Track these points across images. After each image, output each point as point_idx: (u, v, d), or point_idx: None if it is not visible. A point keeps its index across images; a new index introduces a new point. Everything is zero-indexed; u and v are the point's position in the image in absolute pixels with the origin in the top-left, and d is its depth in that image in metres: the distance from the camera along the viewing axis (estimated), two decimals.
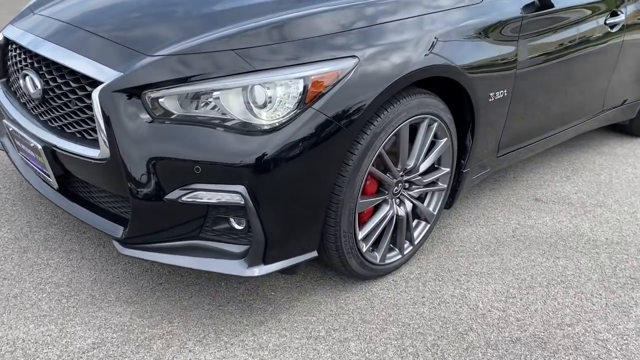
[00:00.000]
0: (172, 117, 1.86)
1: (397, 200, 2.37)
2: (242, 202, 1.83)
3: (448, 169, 2.48)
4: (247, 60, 1.85)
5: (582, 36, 2.98)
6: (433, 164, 2.46)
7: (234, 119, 1.84)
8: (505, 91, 2.56)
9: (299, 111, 1.85)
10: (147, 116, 1.86)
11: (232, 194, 1.83)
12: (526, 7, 2.61)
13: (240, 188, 1.83)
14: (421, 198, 2.52)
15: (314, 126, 1.86)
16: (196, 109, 1.87)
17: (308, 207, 1.96)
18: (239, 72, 1.85)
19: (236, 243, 1.96)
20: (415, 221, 2.51)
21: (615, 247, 2.78)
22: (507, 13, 2.48)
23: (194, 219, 1.95)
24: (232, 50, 1.87)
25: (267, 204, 1.87)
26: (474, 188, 3.37)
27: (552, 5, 2.73)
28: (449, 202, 2.70)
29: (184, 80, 1.85)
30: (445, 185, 2.51)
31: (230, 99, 1.85)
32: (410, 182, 2.38)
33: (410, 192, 2.39)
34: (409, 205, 2.39)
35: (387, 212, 2.27)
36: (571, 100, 3.21)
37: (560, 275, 2.54)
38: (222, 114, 1.84)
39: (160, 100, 1.86)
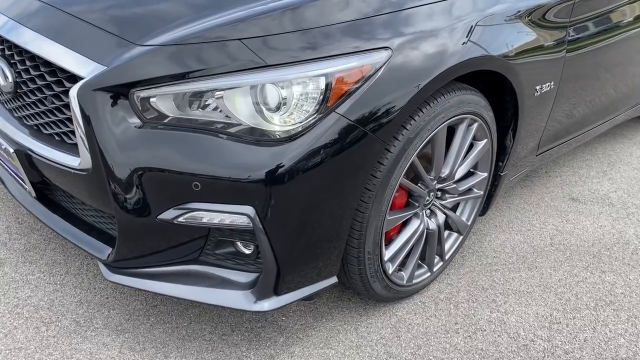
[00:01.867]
0: (166, 120, 1.54)
1: (428, 211, 2.04)
2: (251, 226, 1.51)
3: (485, 174, 2.15)
4: (257, 52, 1.51)
5: (632, 18, 2.61)
6: (469, 169, 2.12)
7: (241, 125, 1.51)
8: (552, 83, 2.21)
9: (320, 115, 1.52)
10: (137, 120, 1.53)
11: (238, 216, 1.51)
12: None
13: (248, 209, 1.51)
14: (454, 207, 2.20)
15: (338, 133, 1.53)
16: (195, 111, 1.54)
17: (328, 228, 1.64)
18: (248, 67, 1.51)
19: (243, 270, 1.65)
20: (446, 233, 2.19)
21: None
22: None
23: (193, 240, 1.63)
24: (239, 40, 1.53)
25: (280, 227, 1.55)
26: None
27: None
28: (484, 209, 2.37)
29: (181, 77, 1.52)
30: (482, 192, 2.19)
31: (236, 100, 1.52)
32: (444, 191, 2.05)
33: (442, 202, 2.07)
34: (441, 217, 2.07)
35: (417, 227, 1.95)
36: (616, 90, 2.86)
37: (608, 294, 2.23)
38: (227, 117, 1.51)
39: (152, 100, 1.53)
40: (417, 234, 1.97)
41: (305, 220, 1.58)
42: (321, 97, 1.52)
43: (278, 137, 1.51)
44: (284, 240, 1.57)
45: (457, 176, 2.02)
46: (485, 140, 2.05)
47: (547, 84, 2.18)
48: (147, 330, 1.89)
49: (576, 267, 2.38)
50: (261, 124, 1.53)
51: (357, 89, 1.54)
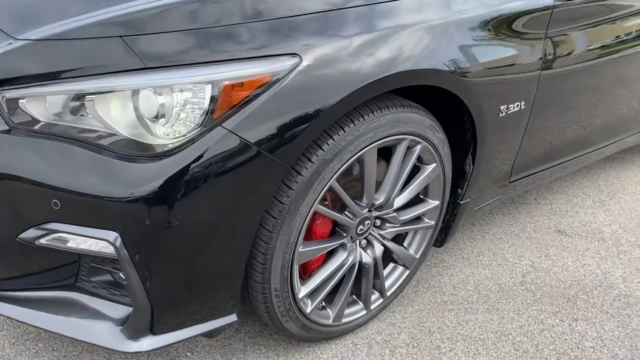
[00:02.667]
0: (38, 126, 1.33)
1: (364, 241, 1.78)
2: (115, 255, 1.28)
3: (437, 202, 1.88)
4: (138, 52, 1.28)
5: (632, 32, 2.31)
6: (418, 195, 1.86)
7: (116, 135, 1.29)
8: (522, 104, 1.93)
9: (204, 129, 1.28)
10: (2, 124, 1.32)
11: (100, 242, 1.29)
12: None
13: (111, 235, 1.28)
14: (401, 237, 1.93)
15: (224, 152, 1.30)
16: (70, 117, 1.32)
17: (219, 261, 1.40)
18: (125, 68, 1.28)
19: (119, 302, 1.42)
20: (391, 266, 1.94)
21: None
22: (533, 0, 1.84)
23: (65, 265, 1.42)
24: (121, 37, 1.30)
25: (153, 258, 1.32)
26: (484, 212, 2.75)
27: None
28: (441, 239, 2.10)
29: (53, 76, 1.31)
30: (433, 222, 1.92)
31: (111, 106, 1.30)
32: (383, 219, 1.79)
33: (382, 232, 1.80)
34: (378, 249, 1.80)
35: (344, 261, 1.70)
36: (616, 112, 2.55)
37: (575, 347, 1.94)
38: (100, 126, 1.29)
39: (20, 102, 1.32)
40: (345, 267, 1.72)
41: (187, 251, 1.35)
42: (207, 107, 1.28)
43: (153, 152, 1.28)
44: (159, 274, 1.35)
45: (398, 204, 1.76)
46: (434, 165, 1.79)
47: (516, 104, 1.91)
48: (31, 358, 1.68)
49: (544, 312, 2.09)
50: (142, 135, 1.30)
51: (251, 100, 1.30)
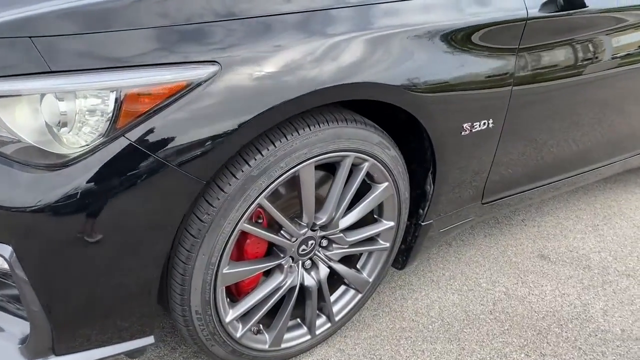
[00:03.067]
0: None
1: (308, 262, 1.67)
2: (8, 270, 1.20)
3: (392, 223, 1.76)
4: (45, 54, 1.19)
5: (625, 49, 2.15)
6: (373, 215, 1.74)
7: (20, 142, 1.20)
8: (491, 122, 1.80)
9: (105, 139, 1.18)
10: None
11: None
12: (545, 6, 1.81)
13: (5, 249, 1.19)
14: (355, 258, 1.82)
15: (128, 164, 1.20)
16: None
17: (125, 279, 1.31)
18: (30, 71, 1.20)
19: (23, 317, 1.33)
20: (342, 289, 1.82)
21: (633, 347, 1.99)
22: (503, 11, 1.71)
23: None
24: (30, 37, 1.22)
25: (50, 274, 1.23)
26: (463, 231, 2.62)
27: (582, 5, 1.91)
28: (402, 261, 1.97)
29: None
30: (389, 244, 1.79)
31: (16, 111, 1.21)
32: (330, 240, 1.68)
33: (328, 253, 1.69)
34: (323, 271, 1.69)
35: (280, 283, 1.59)
36: (608, 132, 2.39)
37: None
38: (4, 132, 1.21)
39: None
40: (282, 290, 1.61)
41: (90, 268, 1.26)
42: (110, 116, 1.18)
43: (56, 161, 1.19)
44: (58, 293, 1.26)
45: (344, 224, 1.64)
46: (386, 184, 1.67)
47: (482, 122, 1.78)
48: None
49: (510, 345, 1.95)
50: (48, 143, 1.22)
51: (161, 110, 1.20)
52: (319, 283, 1.69)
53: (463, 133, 1.75)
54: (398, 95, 1.50)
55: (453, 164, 1.79)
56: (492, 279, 2.30)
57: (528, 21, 1.77)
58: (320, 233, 1.64)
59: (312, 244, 1.64)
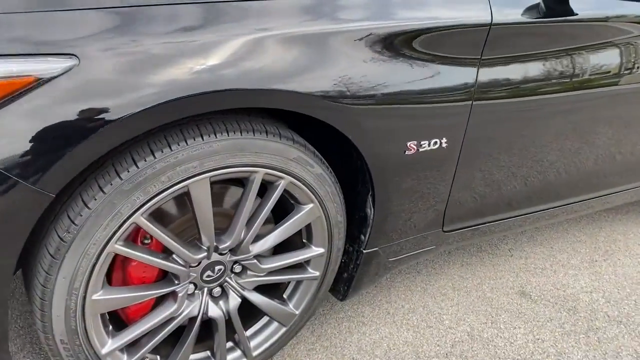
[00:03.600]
0: None
1: (218, 290, 1.47)
2: None
3: (322, 250, 1.53)
4: None
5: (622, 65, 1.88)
6: (302, 240, 1.53)
7: None
8: (444, 140, 1.57)
9: None
10: None
11: None
12: (527, 12, 1.57)
13: None
14: (281, 286, 1.61)
15: None
16: None
17: None
18: None
19: None
20: (264, 320, 1.61)
21: None
22: (459, 14, 1.47)
23: None
24: None
25: None
26: (437, 257, 2.37)
27: (569, 13, 1.66)
28: (343, 291, 1.75)
29: None
30: (319, 273, 1.57)
31: None
32: (244, 266, 1.47)
33: (241, 281, 1.48)
34: (234, 301, 1.48)
35: (173, 312, 1.38)
36: (617, 156, 2.11)
37: None
38: None
39: None
40: (178, 320, 1.40)
41: None
42: None
43: None
44: None
45: (258, 249, 1.43)
46: (311, 206, 1.45)
47: (433, 142, 1.55)
48: None
49: None
50: None
51: (0, 107, 1.02)
52: (228, 314, 1.48)
53: (407, 153, 1.51)
54: (315, 107, 1.28)
55: (395, 187, 1.56)
56: (458, 316, 2.04)
57: (493, 27, 1.52)
58: (230, 258, 1.43)
59: (220, 269, 1.43)
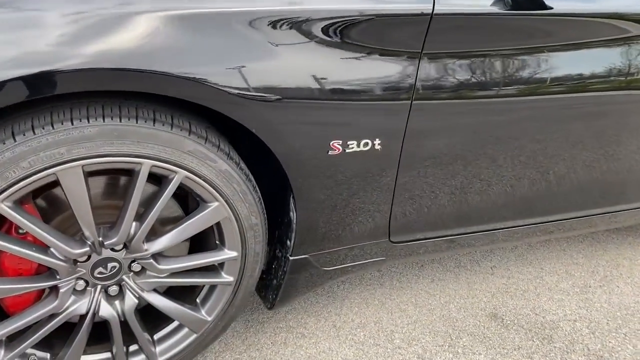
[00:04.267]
0: None
1: (115, 288, 1.36)
2: None
3: (235, 253, 1.40)
4: None
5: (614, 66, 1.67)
6: (214, 241, 1.41)
7: None
8: (377, 141, 1.41)
9: None
10: None
11: None
12: (494, 5, 1.40)
13: None
14: (197, 289, 1.49)
15: None
16: None
17: None
18: None
19: None
20: (174, 324, 1.49)
21: None
22: (397, 2, 1.32)
23: None
24: None
25: None
26: (406, 270, 2.20)
27: (541, 6, 1.48)
28: (272, 299, 1.61)
29: None
30: (232, 279, 1.44)
31: None
32: (144, 265, 1.36)
33: (140, 281, 1.37)
34: (130, 301, 1.37)
35: (56, 308, 1.28)
36: (613, 168, 1.90)
37: None
38: None
39: None
40: (61, 317, 1.31)
41: None
42: None
43: None
44: None
45: (154, 248, 1.32)
46: (216, 204, 1.32)
47: (363, 142, 1.40)
48: None
49: None
50: None
51: None
52: (123, 315, 1.37)
53: (331, 153, 1.36)
54: (210, 97, 1.15)
55: (319, 190, 1.42)
56: (412, 336, 1.87)
57: (434, 17, 1.35)
58: (126, 255, 1.32)
59: (115, 267, 1.33)
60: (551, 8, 1.51)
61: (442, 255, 2.25)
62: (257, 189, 1.40)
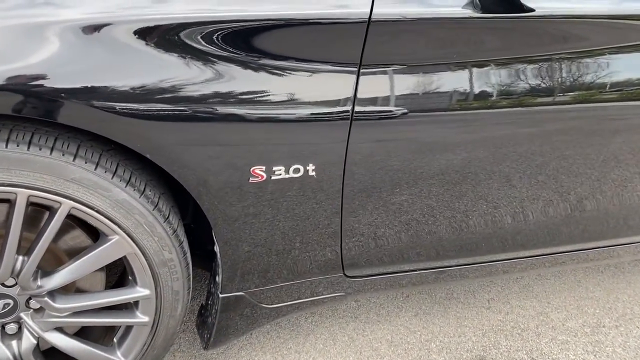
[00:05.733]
0: None
1: (14, 326, 1.23)
2: None
3: (147, 292, 1.24)
4: None
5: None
6: (126, 278, 1.25)
7: None
8: (311, 167, 1.22)
9: None
10: None
11: None
12: (465, 7, 1.19)
13: None
14: (111, 330, 1.33)
15: None
16: None
17: None
18: None
19: None
20: None
21: None
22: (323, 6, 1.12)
23: None
24: None
25: None
26: (388, 302, 1.98)
27: (520, 8, 1.25)
28: (206, 339, 1.44)
29: None
30: (147, 319, 1.28)
31: None
32: (40, 303, 1.22)
33: (39, 320, 1.22)
34: (27, 342, 1.23)
35: None
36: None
37: None
38: None
39: None
40: None
41: None
42: None
43: None
44: None
45: (50, 284, 1.17)
46: (116, 238, 1.16)
47: (294, 167, 1.20)
48: None
49: None
50: None
51: None
52: (20, 357, 1.22)
53: (252, 180, 1.17)
54: (74, 113, 0.99)
55: (242, 222, 1.23)
56: None
57: (372, 24, 1.13)
58: (22, 292, 1.18)
59: (8, 304, 1.18)
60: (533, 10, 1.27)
61: (424, 289, 2.01)
62: (174, 218, 1.23)
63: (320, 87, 1.16)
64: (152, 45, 1.02)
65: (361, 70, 1.17)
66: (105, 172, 1.11)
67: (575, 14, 1.31)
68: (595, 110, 1.45)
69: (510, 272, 1.77)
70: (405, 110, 1.22)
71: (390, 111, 1.22)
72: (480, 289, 2.11)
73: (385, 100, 1.20)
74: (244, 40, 1.08)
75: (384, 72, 1.19)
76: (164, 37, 1.02)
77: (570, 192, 1.56)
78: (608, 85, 1.42)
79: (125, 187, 1.13)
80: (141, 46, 1.01)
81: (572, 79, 1.36)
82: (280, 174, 1.19)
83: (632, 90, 1.46)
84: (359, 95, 1.18)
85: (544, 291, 2.14)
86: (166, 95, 1.04)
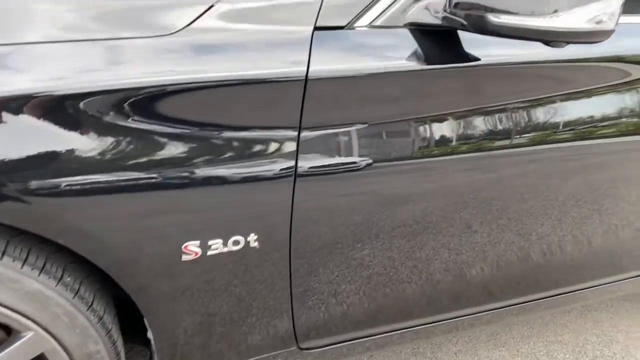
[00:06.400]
0: None
1: None
2: None
3: None
4: None
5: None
6: None
7: None
8: (253, 237, 1.09)
9: None
10: None
11: None
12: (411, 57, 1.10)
13: None
14: None
15: None
16: None
17: None
18: None
19: None
20: None
21: None
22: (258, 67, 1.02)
23: None
24: None
25: None
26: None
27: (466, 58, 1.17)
28: None
29: None
30: None
31: None
32: None
33: None
34: None
35: None
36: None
37: None
38: None
39: None
40: None
41: None
42: None
43: None
44: None
45: None
46: (31, 334, 1.00)
47: (233, 240, 1.07)
48: None
49: None
50: None
51: None
52: None
53: (186, 258, 1.04)
54: None
55: (177, 303, 1.09)
56: None
57: (310, 82, 1.03)
58: None
59: None
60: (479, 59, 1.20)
61: (388, 349, 1.89)
62: (99, 305, 1.08)
63: (256, 148, 1.05)
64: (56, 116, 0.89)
65: (301, 130, 1.06)
66: (14, 261, 0.96)
67: (521, 61, 1.24)
68: (550, 152, 1.38)
69: (476, 326, 1.67)
70: (350, 164, 1.12)
71: (335, 168, 1.11)
72: (446, 342, 2.00)
73: (330, 159, 1.10)
74: (160, 107, 0.96)
75: (327, 130, 1.09)
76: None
77: (531, 234, 1.49)
78: (561, 125, 1.36)
79: (39, 275, 0.99)
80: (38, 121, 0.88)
81: (524, 123, 1.29)
82: (218, 249, 1.07)
83: (583, 129, 1.40)
84: (300, 154, 1.07)
85: (512, 338, 2.05)
86: (74, 167, 0.91)
